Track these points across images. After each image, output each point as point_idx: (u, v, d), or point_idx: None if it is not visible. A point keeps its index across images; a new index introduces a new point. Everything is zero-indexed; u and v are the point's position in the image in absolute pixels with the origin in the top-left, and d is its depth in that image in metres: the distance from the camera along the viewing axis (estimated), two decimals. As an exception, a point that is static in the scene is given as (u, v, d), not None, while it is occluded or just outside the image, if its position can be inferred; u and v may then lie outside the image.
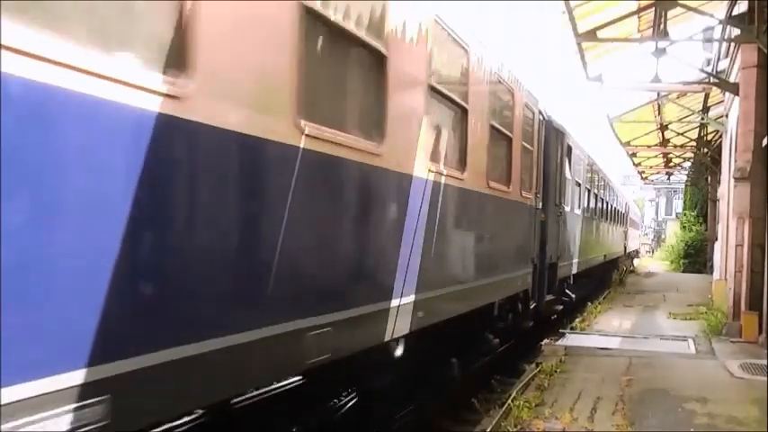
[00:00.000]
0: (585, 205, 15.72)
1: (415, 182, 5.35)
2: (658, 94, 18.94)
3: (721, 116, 18.18)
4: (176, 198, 2.92)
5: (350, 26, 4.26)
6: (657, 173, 40.59)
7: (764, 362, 9.26)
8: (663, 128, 24.09)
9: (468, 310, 6.92)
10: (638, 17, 13.38)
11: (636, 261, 39.98)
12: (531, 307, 9.96)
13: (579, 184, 14.49)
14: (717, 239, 20.16)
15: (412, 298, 5.32)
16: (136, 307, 2.64)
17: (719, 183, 21.32)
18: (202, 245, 3.02)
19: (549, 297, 11.29)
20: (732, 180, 13.48)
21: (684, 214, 40.28)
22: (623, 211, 27.25)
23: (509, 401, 7.03)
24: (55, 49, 2.24)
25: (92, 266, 2.43)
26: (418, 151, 5.37)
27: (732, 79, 14.41)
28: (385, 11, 4.68)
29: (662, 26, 12.43)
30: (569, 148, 12.85)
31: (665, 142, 26.51)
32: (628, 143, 26.65)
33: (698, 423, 6.45)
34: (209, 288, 3.06)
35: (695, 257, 34.27)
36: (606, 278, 22.48)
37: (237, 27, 3.18)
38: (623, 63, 15.28)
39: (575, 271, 14.04)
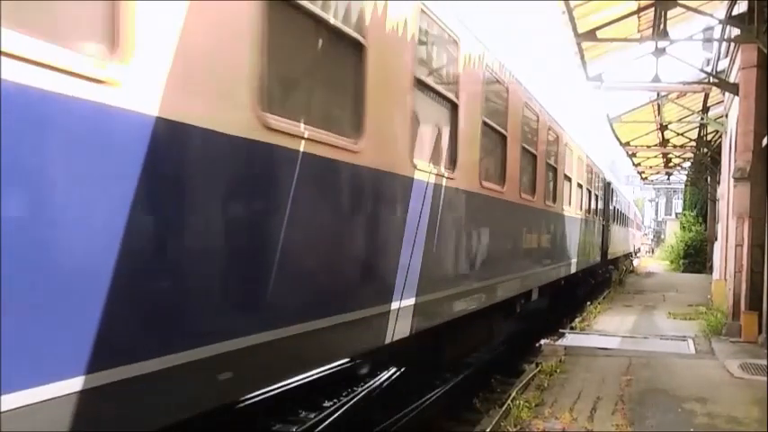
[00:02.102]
0: (615, 219, 24.42)
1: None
2: (658, 94, 18.92)
3: (721, 116, 18.18)
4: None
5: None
6: (657, 173, 40.56)
7: (764, 362, 9.26)
8: (663, 128, 24.07)
9: (585, 267, 15.96)
10: (638, 17, 13.37)
11: (636, 261, 39.99)
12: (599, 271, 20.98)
13: (615, 208, 23.71)
14: (717, 239, 20.16)
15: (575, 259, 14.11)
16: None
17: (719, 183, 21.31)
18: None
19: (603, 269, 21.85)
20: (732, 180, 13.48)
21: (684, 214, 40.27)
22: (633, 219, 38.01)
23: (509, 401, 7.03)
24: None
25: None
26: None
27: (732, 79, 14.40)
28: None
29: (662, 26, 12.42)
30: (612, 190, 22.42)
31: (664, 142, 26.47)
32: (627, 143, 26.64)
33: (698, 423, 6.45)
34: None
35: (695, 257, 34.25)
36: (619, 266, 29.14)
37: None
38: (623, 63, 15.21)
39: (612, 257, 23.82)
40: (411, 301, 5.26)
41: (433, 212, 5.67)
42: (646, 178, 44.33)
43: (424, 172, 5.51)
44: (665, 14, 12.36)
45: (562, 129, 12.07)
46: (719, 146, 20.70)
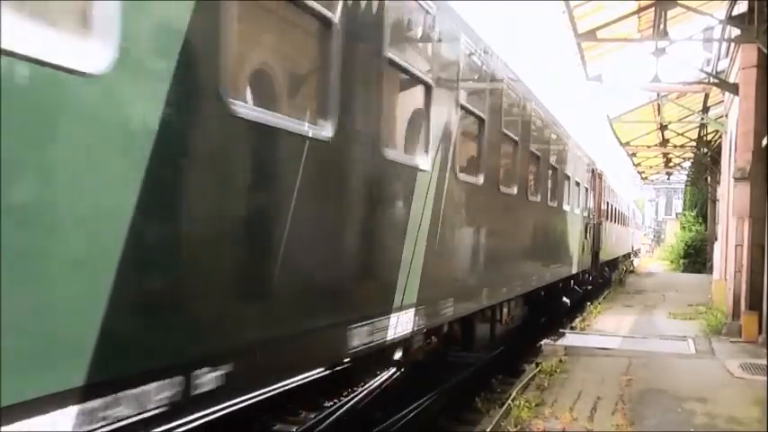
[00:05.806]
0: (637, 229, 40.96)
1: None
2: (658, 95, 18.93)
3: (721, 116, 18.19)
4: None
5: None
6: (657, 173, 40.58)
7: (764, 362, 9.26)
8: (663, 128, 24.09)
9: (627, 251, 35.77)
10: (638, 17, 13.38)
11: (636, 261, 40.14)
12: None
13: (637, 223, 42.55)
14: (717, 239, 20.17)
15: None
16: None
17: (719, 183, 21.33)
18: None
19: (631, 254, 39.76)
20: (732, 180, 13.49)
21: (684, 214, 40.33)
22: (640, 223, 54.03)
23: (509, 401, 7.03)
24: None
25: None
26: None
27: (732, 79, 14.41)
28: None
29: (662, 26, 12.42)
30: (635, 213, 41.55)
31: (664, 142, 26.49)
32: (628, 143, 26.66)
33: (698, 423, 6.46)
34: None
35: (695, 257, 34.29)
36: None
37: None
38: (623, 63, 15.27)
39: (636, 249, 41.95)
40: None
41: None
42: (646, 178, 44.35)
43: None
44: (665, 14, 12.36)
45: (626, 199, 26.47)
46: (719, 146, 20.71)
